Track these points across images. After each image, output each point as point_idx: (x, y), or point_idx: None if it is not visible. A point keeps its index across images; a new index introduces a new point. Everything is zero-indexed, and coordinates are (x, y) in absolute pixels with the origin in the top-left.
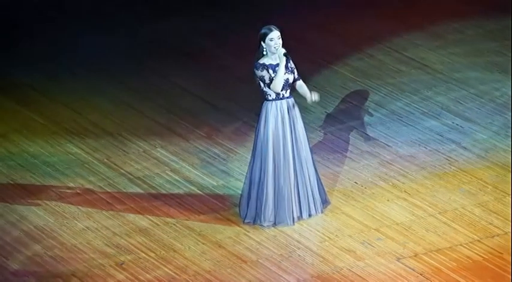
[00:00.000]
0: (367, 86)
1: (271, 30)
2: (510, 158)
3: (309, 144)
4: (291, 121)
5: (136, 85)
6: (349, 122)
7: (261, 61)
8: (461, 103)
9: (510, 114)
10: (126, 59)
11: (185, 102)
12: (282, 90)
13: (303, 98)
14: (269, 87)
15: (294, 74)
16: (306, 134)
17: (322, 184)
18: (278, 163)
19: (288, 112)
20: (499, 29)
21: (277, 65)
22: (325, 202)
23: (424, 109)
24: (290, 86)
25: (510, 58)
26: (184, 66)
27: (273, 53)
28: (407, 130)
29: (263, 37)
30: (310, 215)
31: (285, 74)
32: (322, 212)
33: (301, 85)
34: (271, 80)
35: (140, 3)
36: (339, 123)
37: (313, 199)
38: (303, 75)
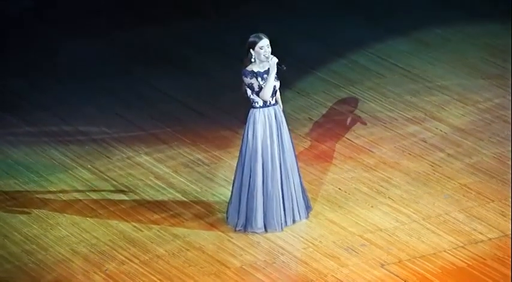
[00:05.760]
0: (350, 92)
1: (261, 39)
2: (495, 162)
3: (294, 150)
4: (278, 128)
5: (120, 92)
6: (332, 128)
7: (250, 68)
8: (444, 109)
9: (491, 118)
10: (109, 66)
11: (169, 108)
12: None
13: (288, 104)
14: (257, 95)
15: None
16: (292, 141)
17: (305, 190)
18: (267, 170)
19: (275, 119)
20: (483, 34)
21: (265, 72)
22: (308, 208)
23: (408, 115)
24: (275, 94)
25: (495, 63)
26: (168, 73)
27: (262, 61)
28: (391, 136)
29: (252, 45)
30: (294, 221)
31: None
32: (306, 217)
33: (277, 93)
34: (260, 87)
35: (119, 11)
36: (322, 129)
37: (298, 205)
38: (286, 81)
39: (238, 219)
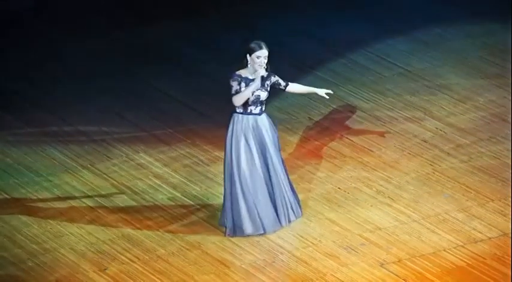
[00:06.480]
0: (350, 92)
1: (260, 48)
2: (495, 162)
3: (279, 155)
4: (257, 137)
5: (120, 91)
6: (332, 127)
7: (239, 72)
8: (444, 108)
9: (491, 118)
10: (109, 66)
11: (168, 108)
12: (251, 106)
13: (288, 103)
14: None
15: (268, 91)
16: (277, 145)
17: (295, 191)
18: (244, 176)
19: (254, 128)
20: (482, 34)
21: (253, 79)
22: (299, 207)
23: (407, 114)
24: (262, 103)
25: (494, 63)
26: (167, 72)
27: (255, 70)
28: (391, 135)
29: (251, 51)
30: (290, 221)
31: (258, 90)
32: (300, 215)
33: (297, 87)
34: (236, 92)
35: (119, 11)
36: (321, 128)
37: (290, 207)
38: (286, 81)
39: (227, 224)
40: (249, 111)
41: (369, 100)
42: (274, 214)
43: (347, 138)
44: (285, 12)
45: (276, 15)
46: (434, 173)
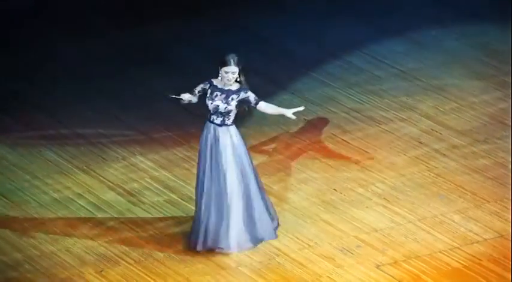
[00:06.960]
0: (345, 93)
1: (230, 64)
2: (490, 163)
3: (238, 173)
4: (215, 148)
5: (117, 92)
6: (327, 128)
7: (213, 79)
8: (440, 110)
9: (487, 119)
10: (107, 67)
11: (165, 109)
12: (213, 115)
13: (284, 105)
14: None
15: (230, 104)
16: (238, 163)
17: (271, 211)
18: (199, 185)
19: (213, 138)
20: (478, 35)
21: (219, 90)
22: (275, 228)
23: (403, 115)
24: (223, 115)
25: (490, 64)
26: (164, 73)
27: (224, 83)
28: (387, 137)
29: (221, 65)
30: (258, 240)
31: (218, 100)
32: (273, 237)
33: (266, 107)
34: (191, 93)
35: (119, 11)
36: (317, 130)
37: (257, 227)
38: (281, 82)
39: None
40: (211, 119)
41: (364, 101)
42: (224, 233)
43: (342, 139)
44: (282, 14)
45: (273, 17)
46: (430, 174)
